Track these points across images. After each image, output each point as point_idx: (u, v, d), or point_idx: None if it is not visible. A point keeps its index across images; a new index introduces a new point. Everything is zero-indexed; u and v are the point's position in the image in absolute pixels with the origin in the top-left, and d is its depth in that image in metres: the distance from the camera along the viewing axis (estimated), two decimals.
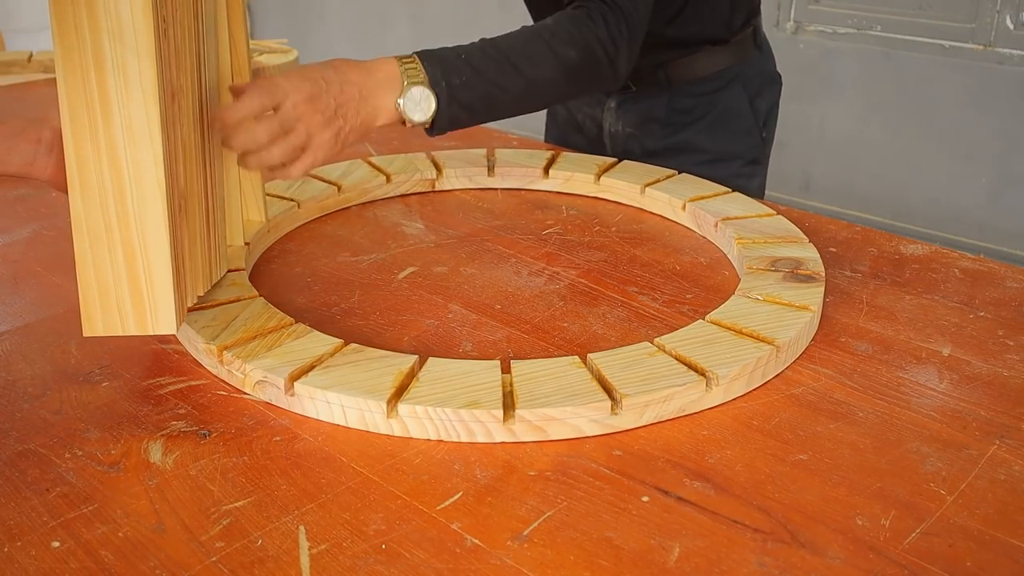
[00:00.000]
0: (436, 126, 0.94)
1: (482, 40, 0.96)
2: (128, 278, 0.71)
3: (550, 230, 1.10)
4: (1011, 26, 2.51)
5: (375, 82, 0.89)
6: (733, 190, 1.15)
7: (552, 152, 1.28)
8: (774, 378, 0.78)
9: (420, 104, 0.91)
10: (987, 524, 0.61)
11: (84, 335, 0.73)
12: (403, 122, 0.93)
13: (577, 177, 1.20)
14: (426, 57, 0.92)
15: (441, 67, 0.92)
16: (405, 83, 0.90)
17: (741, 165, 1.32)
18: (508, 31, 1.00)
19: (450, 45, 0.96)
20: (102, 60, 0.67)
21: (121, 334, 0.73)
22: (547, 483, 0.65)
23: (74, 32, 0.66)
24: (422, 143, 1.35)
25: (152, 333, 0.73)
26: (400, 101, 0.89)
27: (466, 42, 0.97)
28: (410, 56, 0.92)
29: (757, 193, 1.35)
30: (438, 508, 0.63)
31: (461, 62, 0.92)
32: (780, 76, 1.36)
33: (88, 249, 0.71)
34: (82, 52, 0.67)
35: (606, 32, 0.97)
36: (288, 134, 0.85)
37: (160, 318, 0.73)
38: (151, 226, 0.71)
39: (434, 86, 0.91)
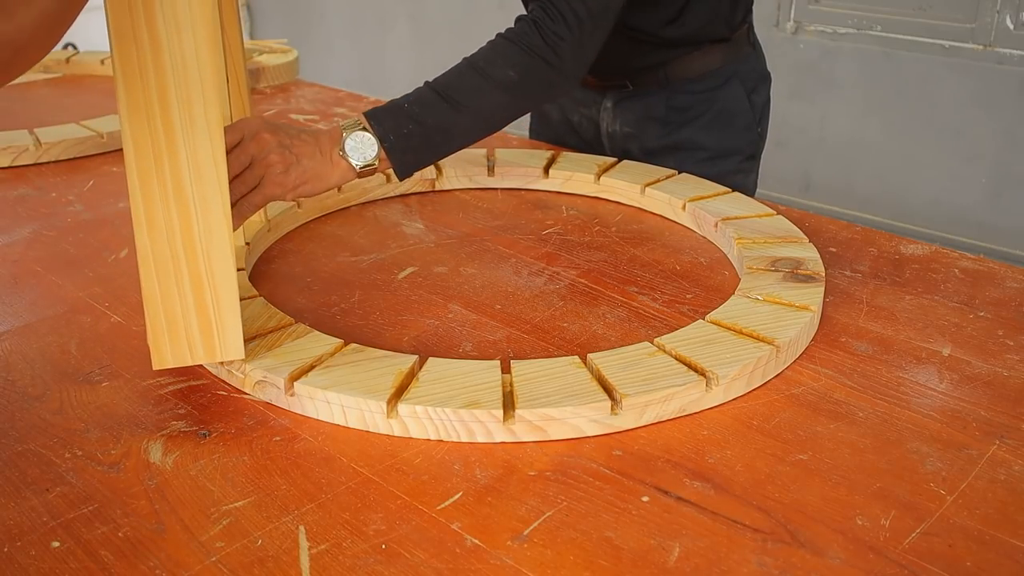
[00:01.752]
0: (399, 172, 0.99)
1: (425, 83, 1.01)
2: (196, 308, 0.72)
3: (550, 230, 1.10)
4: (1011, 26, 2.51)
5: (329, 139, 0.95)
6: (732, 186, 1.15)
7: (552, 152, 1.28)
8: (774, 378, 0.78)
9: (361, 148, 0.96)
10: (987, 524, 0.61)
11: (154, 368, 0.73)
12: (357, 174, 0.97)
13: (577, 177, 1.21)
14: (372, 116, 0.97)
15: (386, 123, 0.97)
16: (344, 134, 0.95)
17: (740, 161, 1.32)
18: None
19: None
20: (167, 98, 0.68)
21: (190, 364, 0.74)
22: (547, 483, 0.65)
23: (138, 73, 0.67)
24: None
25: (220, 360, 0.74)
26: (341, 151, 0.95)
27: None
28: (355, 118, 0.98)
29: (752, 188, 1.37)
30: (438, 508, 0.63)
31: (404, 113, 0.97)
32: (770, 74, 1.37)
33: (156, 283, 0.71)
34: (146, 92, 0.67)
35: (541, 40, 1.00)
36: (245, 170, 0.89)
37: (228, 345, 0.73)
38: (217, 255, 0.71)
39: (383, 141, 0.96)
